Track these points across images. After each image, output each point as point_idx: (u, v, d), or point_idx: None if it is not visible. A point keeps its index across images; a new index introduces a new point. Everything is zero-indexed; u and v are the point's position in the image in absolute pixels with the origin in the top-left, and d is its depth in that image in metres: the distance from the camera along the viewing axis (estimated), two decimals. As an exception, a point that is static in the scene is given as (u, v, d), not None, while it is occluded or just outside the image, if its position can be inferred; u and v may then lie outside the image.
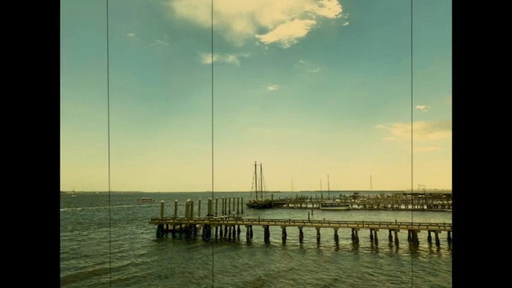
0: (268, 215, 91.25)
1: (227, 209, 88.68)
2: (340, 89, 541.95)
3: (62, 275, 28.59)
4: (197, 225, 54.45)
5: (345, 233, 49.21)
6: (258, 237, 49.19)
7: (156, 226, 55.39)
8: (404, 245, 42.99)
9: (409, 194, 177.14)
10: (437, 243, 42.96)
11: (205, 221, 54.05)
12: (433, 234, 45.06)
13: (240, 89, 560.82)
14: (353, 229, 46.26)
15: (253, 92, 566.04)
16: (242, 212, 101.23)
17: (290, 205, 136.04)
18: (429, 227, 44.79)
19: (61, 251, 38.26)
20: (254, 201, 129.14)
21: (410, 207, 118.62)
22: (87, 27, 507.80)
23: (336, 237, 46.40)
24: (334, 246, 42.60)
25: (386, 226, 45.89)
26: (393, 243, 43.44)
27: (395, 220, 49.27)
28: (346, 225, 47.12)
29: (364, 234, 48.64)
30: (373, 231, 45.84)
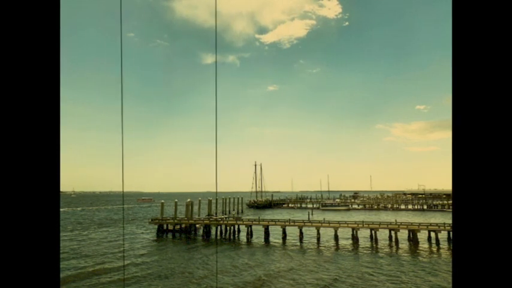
0: (268, 215, 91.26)
1: (227, 209, 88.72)
2: (340, 89, 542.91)
3: (62, 275, 28.59)
4: (197, 225, 54.45)
5: (345, 233, 49.21)
6: (258, 237, 49.19)
7: (156, 226, 55.40)
8: (404, 245, 42.99)
9: (409, 194, 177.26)
10: (437, 243, 42.97)
11: (205, 221, 54.05)
12: (433, 234, 45.07)
13: (240, 89, 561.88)
14: (353, 229, 46.26)
15: (253, 92, 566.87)
16: (242, 212, 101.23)
17: (290, 205, 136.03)
18: (429, 227, 44.79)
19: (61, 251, 38.27)
20: (254, 201, 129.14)
21: (410, 207, 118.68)
22: (87, 27, 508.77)
23: (336, 237, 46.41)
24: (334, 246, 42.60)
25: (386, 226, 45.89)
26: (393, 243, 43.44)
27: (395, 220, 49.27)
28: (346, 225, 47.12)
29: (364, 234, 48.64)
30: (373, 231, 45.84)
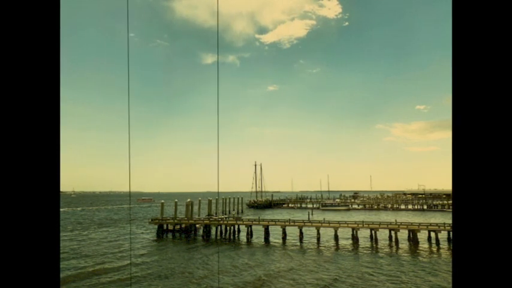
0: (268, 215, 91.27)
1: (227, 209, 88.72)
2: (340, 89, 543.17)
3: (62, 275, 28.59)
4: (197, 225, 54.45)
5: (345, 233, 49.21)
6: (258, 237, 49.19)
7: (156, 226, 55.38)
8: (404, 245, 42.99)
9: (409, 194, 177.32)
10: (437, 243, 42.97)
11: (205, 221, 54.04)
12: (433, 234, 45.08)
13: (240, 89, 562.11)
14: (353, 229, 46.26)
15: (253, 92, 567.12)
16: (242, 212, 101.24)
17: (290, 205, 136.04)
18: (429, 227, 44.79)
19: (61, 251, 38.26)
20: (254, 201, 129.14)
21: (410, 207, 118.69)
22: (87, 27, 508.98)
23: (336, 237, 46.41)
24: (334, 246, 42.60)
25: (386, 226, 45.89)
26: (393, 243, 43.45)
27: (395, 220, 49.27)
28: (346, 225, 47.12)
29: (364, 234, 48.64)
30: (373, 231, 45.84)
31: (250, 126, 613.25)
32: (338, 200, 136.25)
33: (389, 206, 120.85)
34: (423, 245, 42.80)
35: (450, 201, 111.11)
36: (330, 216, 73.46)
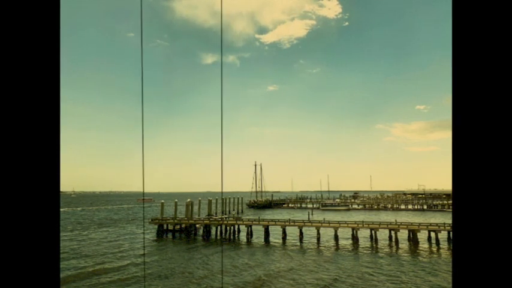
0: (268, 215, 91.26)
1: (227, 209, 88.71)
2: (340, 89, 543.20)
3: (62, 275, 28.59)
4: (197, 225, 54.44)
5: (345, 233, 49.21)
6: (258, 237, 49.19)
7: (156, 226, 55.38)
8: (404, 245, 42.99)
9: (409, 194, 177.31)
10: (437, 243, 42.97)
11: (205, 221, 54.04)
12: (433, 234, 45.07)
13: (240, 89, 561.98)
14: (353, 229, 46.26)
15: (253, 92, 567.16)
16: (242, 212, 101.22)
17: (290, 205, 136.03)
18: (429, 227, 44.80)
19: (61, 251, 38.27)
20: (254, 201, 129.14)
21: (410, 207, 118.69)
22: (87, 27, 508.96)
23: (336, 237, 46.41)
24: (334, 246, 42.60)
25: (386, 226, 45.89)
26: (393, 243, 43.44)
27: (395, 220, 49.26)
28: (346, 225, 47.12)
29: (364, 234, 48.64)
30: (373, 231, 45.84)
31: (250, 126, 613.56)
32: (338, 200, 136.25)
33: (389, 206, 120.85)
34: (423, 245, 42.80)
35: (450, 201, 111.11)
36: (330, 216, 73.46)
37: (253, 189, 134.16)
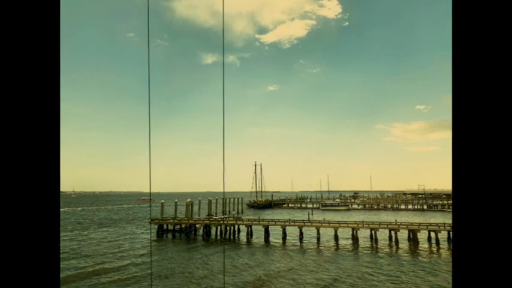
0: (268, 215, 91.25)
1: (227, 209, 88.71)
2: (340, 89, 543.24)
3: (62, 275, 28.59)
4: (197, 225, 54.44)
5: (345, 233, 49.20)
6: (258, 237, 49.18)
7: (156, 226, 55.40)
8: (404, 245, 42.99)
9: (409, 194, 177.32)
10: (437, 243, 42.97)
11: (205, 221, 54.04)
12: (433, 234, 45.06)
13: (240, 89, 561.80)
14: (353, 229, 46.26)
15: (253, 92, 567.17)
16: (242, 212, 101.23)
17: (290, 205, 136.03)
18: (429, 227, 44.79)
19: (61, 251, 38.27)
20: (254, 201, 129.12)
21: (410, 207, 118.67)
22: (87, 27, 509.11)
23: (336, 237, 46.41)
24: (334, 246, 42.59)
25: (386, 226, 45.89)
26: (393, 243, 43.44)
27: (395, 220, 49.26)
28: (346, 225, 47.11)
29: (364, 234, 48.63)
30: (373, 231, 45.84)
31: (250, 126, 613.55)
32: (338, 200, 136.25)
33: (389, 206, 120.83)
34: (423, 245, 42.80)
35: (450, 201, 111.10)
36: (330, 216, 73.46)
37: (253, 189, 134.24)
